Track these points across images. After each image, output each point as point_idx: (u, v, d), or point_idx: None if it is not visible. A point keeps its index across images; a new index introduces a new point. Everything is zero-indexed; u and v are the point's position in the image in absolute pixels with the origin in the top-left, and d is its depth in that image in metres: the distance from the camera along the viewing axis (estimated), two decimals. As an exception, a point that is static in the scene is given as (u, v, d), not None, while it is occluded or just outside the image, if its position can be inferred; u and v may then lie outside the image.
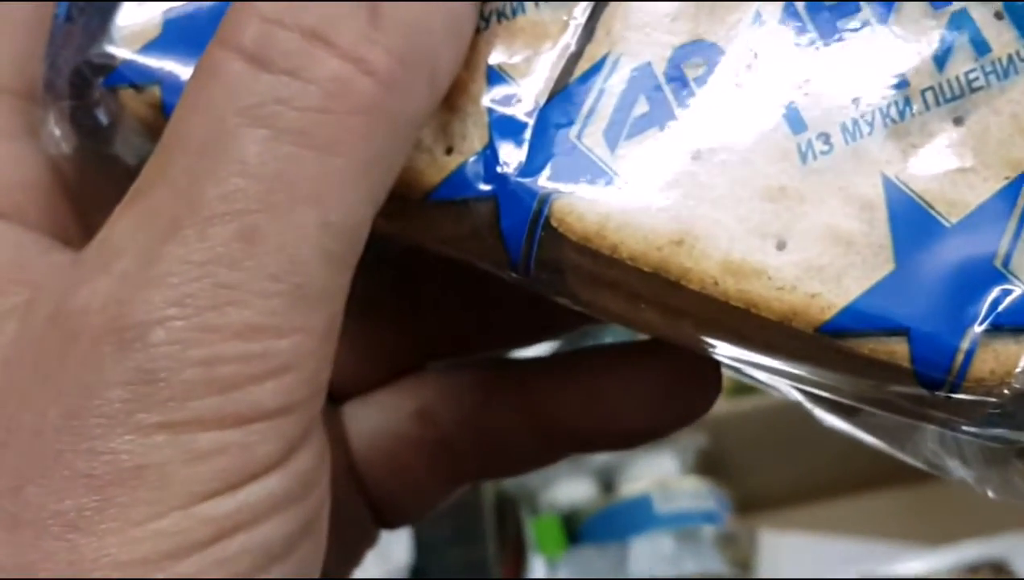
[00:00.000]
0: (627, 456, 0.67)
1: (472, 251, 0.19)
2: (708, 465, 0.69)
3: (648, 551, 0.62)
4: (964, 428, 0.17)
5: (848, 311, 0.16)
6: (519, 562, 0.64)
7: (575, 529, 0.66)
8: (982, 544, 0.65)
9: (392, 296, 0.23)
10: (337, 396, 0.23)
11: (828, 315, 0.16)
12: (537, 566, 0.63)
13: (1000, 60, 0.17)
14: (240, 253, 0.15)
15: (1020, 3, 0.17)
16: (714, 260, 0.17)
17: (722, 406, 0.67)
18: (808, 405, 0.21)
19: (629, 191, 0.17)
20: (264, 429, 0.15)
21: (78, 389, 0.15)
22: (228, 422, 0.15)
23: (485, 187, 0.18)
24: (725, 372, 0.21)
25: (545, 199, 0.18)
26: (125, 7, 0.19)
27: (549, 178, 0.18)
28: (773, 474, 0.70)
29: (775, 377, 0.19)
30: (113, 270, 0.15)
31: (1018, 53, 0.17)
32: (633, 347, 0.22)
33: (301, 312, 0.15)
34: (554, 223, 0.18)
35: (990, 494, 0.19)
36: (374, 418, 0.23)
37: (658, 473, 0.67)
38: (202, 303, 0.15)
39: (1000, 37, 0.17)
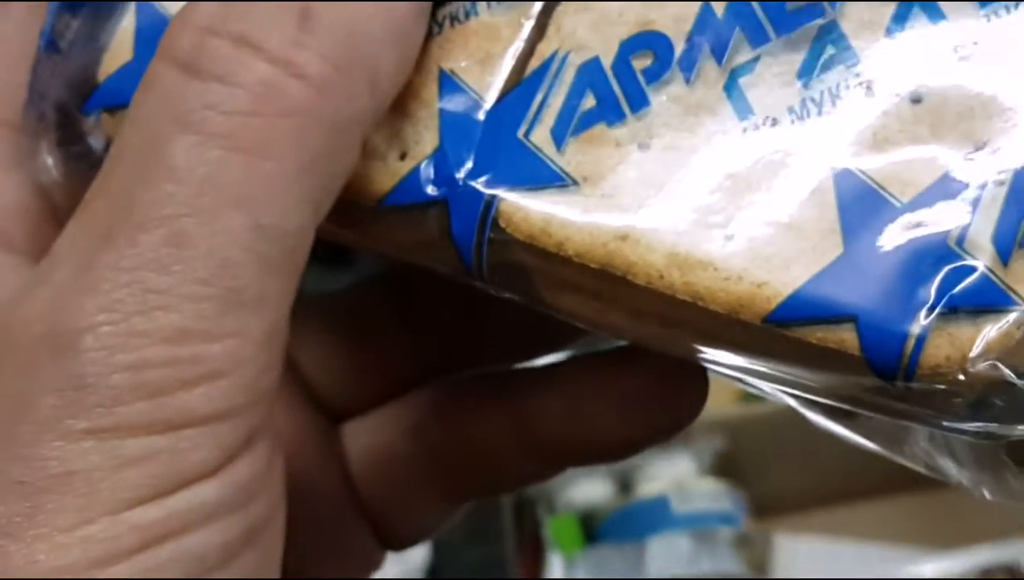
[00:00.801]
0: (644, 457, 0.66)
1: (429, 257, 0.18)
2: (725, 467, 0.67)
3: (665, 551, 0.61)
4: (944, 424, 0.15)
5: (793, 299, 0.15)
6: (537, 561, 0.62)
7: (593, 528, 0.65)
8: (995, 548, 0.62)
9: (389, 314, 0.22)
10: (336, 415, 0.22)
11: (774, 304, 0.15)
12: (555, 565, 0.62)
13: None
14: (169, 258, 0.14)
15: None
16: (659, 253, 0.15)
17: (739, 409, 0.66)
18: (801, 409, 0.19)
19: (575, 187, 0.16)
20: (195, 435, 0.14)
21: (13, 396, 0.14)
22: (156, 428, 0.14)
23: (435, 191, 0.17)
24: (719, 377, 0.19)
25: (492, 200, 0.16)
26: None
27: (497, 179, 0.16)
28: (789, 477, 0.67)
29: (753, 378, 0.17)
30: (52, 280, 0.15)
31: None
32: (610, 354, 0.20)
33: (234, 316, 0.14)
34: (502, 223, 0.16)
35: (986, 495, 0.17)
36: (370, 436, 0.22)
37: (675, 474, 0.65)
38: (130, 308, 0.14)
39: (958, 12, 0.16)
